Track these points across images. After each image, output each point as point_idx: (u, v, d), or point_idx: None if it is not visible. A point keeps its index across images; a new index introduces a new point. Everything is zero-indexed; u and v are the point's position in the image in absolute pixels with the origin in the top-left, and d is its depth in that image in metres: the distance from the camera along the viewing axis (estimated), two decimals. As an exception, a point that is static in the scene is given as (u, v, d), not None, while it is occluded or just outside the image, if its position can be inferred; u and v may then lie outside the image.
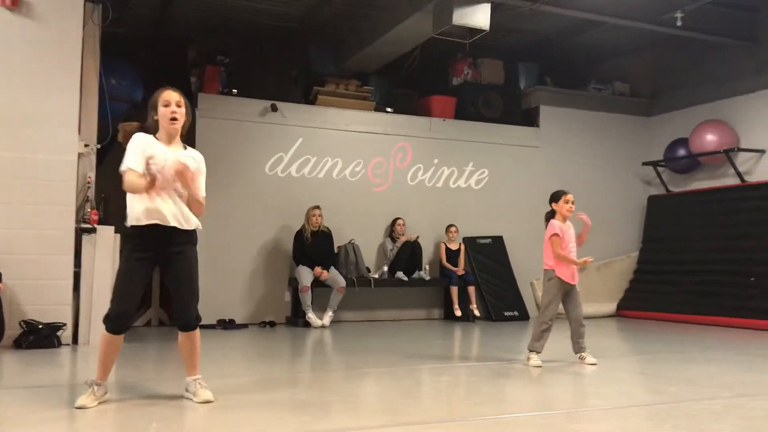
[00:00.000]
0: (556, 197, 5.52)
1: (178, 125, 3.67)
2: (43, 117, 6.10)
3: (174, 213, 3.61)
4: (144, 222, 3.56)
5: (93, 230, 6.32)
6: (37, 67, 6.14)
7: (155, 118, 3.67)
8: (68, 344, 6.07)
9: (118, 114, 7.55)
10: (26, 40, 6.13)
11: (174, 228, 3.62)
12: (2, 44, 6.08)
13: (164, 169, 3.55)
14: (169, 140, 3.69)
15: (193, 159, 3.74)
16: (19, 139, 6.04)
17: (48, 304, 6.00)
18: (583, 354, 5.38)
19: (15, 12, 6.09)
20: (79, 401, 3.51)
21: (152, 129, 3.71)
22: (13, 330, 5.89)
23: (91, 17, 6.62)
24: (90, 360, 5.09)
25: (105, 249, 6.33)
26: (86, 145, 6.53)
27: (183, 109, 3.68)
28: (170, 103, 3.63)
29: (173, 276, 3.71)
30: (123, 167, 3.57)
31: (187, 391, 3.83)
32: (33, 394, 3.36)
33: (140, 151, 3.58)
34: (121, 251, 3.85)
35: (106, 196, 7.11)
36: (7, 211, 5.98)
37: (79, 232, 6.29)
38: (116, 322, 3.60)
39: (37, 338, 5.83)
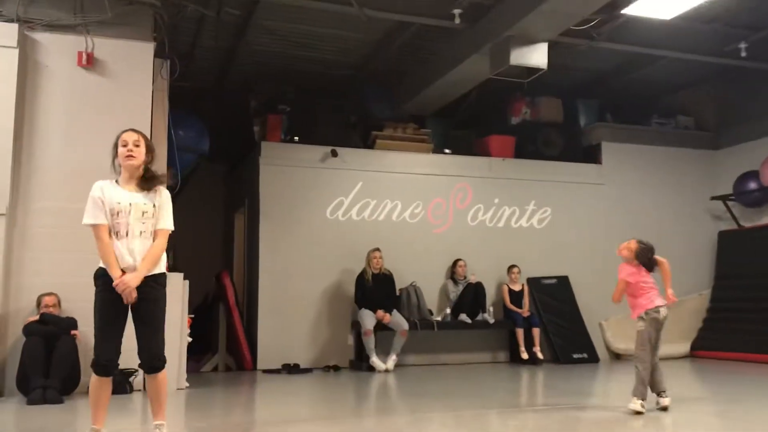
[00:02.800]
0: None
1: (135, 162, 3.79)
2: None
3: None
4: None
5: (163, 277, 6.45)
6: (109, 121, 6.38)
7: (116, 160, 3.83)
8: (140, 390, 6.16)
9: (187, 164, 7.78)
10: (100, 96, 6.43)
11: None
12: (78, 100, 6.40)
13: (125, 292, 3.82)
14: (130, 179, 3.82)
15: (151, 202, 3.83)
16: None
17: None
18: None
19: (90, 70, 6.42)
20: None
21: (116, 172, 3.88)
22: (88, 377, 6.02)
23: (160, 72, 6.91)
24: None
25: (174, 295, 6.44)
26: (156, 195, 6.73)
27: (141, 148, 3.82)
28: (127, 143, 3.79)
29: (138, 317, 3.90)
30: (85, 221, 3.79)
31: None
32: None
33: (95, 202, 3.76)
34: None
35: (175, 243, 7.29)
36: (78, 260, 6.14)
37: (149, 280, 6.42)
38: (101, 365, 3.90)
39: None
